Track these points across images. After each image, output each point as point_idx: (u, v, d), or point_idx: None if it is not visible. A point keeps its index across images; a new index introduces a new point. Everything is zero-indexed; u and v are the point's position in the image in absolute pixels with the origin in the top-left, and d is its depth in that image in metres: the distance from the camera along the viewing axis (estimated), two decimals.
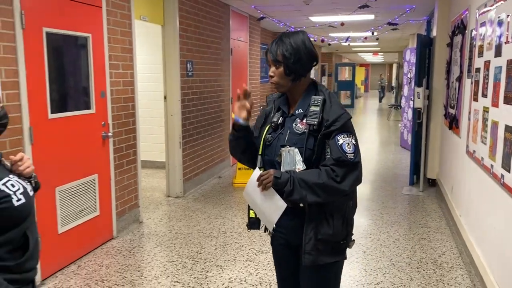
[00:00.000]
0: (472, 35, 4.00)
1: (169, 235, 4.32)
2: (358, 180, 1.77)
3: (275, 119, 1.88)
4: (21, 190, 1.47)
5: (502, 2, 3.03)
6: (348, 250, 1.93)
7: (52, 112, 3.38)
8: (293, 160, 1.76)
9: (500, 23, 3.03)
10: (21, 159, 1.56)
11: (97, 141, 3.94)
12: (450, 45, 5.29)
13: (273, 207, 1.74)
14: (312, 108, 1.77)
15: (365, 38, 10.72)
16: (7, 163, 1.56)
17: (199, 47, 6.00)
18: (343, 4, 6.92)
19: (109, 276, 3.43)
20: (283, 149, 1.78)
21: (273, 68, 1.83)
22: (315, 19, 8.71)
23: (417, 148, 6.13)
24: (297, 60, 1.77)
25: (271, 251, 3.38)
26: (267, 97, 2.05)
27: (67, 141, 3.55)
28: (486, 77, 3.37)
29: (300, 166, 1.75)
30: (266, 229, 1.93)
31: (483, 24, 3.58)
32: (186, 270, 3.54)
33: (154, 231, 4.43)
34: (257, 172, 1.76)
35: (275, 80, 1.84)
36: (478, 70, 3.67)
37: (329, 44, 12.83)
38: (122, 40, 4.26)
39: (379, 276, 3.45)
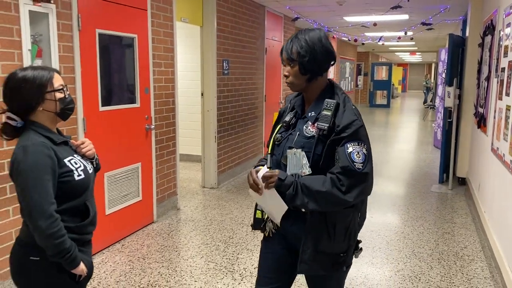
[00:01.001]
0: (500, 36, 4.10)
1: (204, 221, 4.65)
2: (366, 192, 1.69)
3: (287, 119, 1.84)
4: (82, 167, 1.79)
5: None
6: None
7: (103, 105, 3.77)
8: (299, 163, 1.70)
9: None
10: (83, 143, 1.88)
11: (141, 133, 4.31)
12: (481, 45, 5.35)
13: (276, 207, 1.73)
14: (324, 112, 1.70)
15: (399, 38, 10.73)
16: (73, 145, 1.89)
17: (235, 46, 6.31)
18: (376, 4, 7.05)
19: (149, 255, 3.79)
20: (289, 151, 1.73)
21: (288, 67, 1.77)
22: (349, 19, 8.85)
23: (447, 147, 6.20)
24: (312, 59, 1.71)
25: None
26: (286, 97, 2.00)
27: (114, 131, 3.93)
28: (509, 76, 3.49)
29: (306, 170, 1.69)
30: (264, 229, 1.89)
31: (508, 25, 3.69)
32: (219, 252, 3.85)
33: (190, 217, 4.77)
34: (264, 169, 1.73)
35: (290, 80, 1.78)
36: (503, 69, 3.78)
37: (363, 44, 12.88)
38: (164, 40, 4.62)
39: (400, 264, 3.64)
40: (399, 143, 10.11)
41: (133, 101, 4.19)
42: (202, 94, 5.86)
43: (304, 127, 1.76)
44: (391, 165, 7.66)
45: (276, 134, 1.85)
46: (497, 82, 4.04)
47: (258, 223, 1.90)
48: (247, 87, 6.84)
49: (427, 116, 15.60)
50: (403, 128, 13.14)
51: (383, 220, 4.74)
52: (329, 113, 1.68)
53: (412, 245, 4.05)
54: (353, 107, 1.75)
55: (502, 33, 4.01)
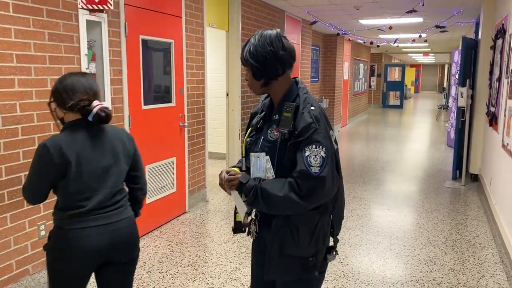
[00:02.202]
0: (511, 39, 4.39)
1: (230, 212, 5.01)
2: (323, 196, 1.66)
3: (254, 122, 1.82)
4: None
5: None
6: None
7: (144, 104, 4.16)
8: (263, 167, 1.70)
9: None
10: None
11: (176, 130, 4.70)
12: (493, 47, 5.63)
13: (240, 206, 1.75)
14: (285, 114, 1.68)
15: (413, 40, 11.00)
16: None
17: None
18: (390, 8, 7.36)
19: (186, 240, 4.16)
20: (252, 154, 1.72)
21: (246, 71, 1.76)
22: (365, 22, 9.16)
23: (461, 145, 6.48)
24: (262, 64, 1.68)
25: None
26: (261, 98, 1.95)
27: (154, 128, 4.31)
28: None
29: (270, 174, 1.69)
30: (249, 233, 1.86)
31: None
32: (247, 239, 4.20)
33: (219, 208, 5.14)
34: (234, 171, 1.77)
35: (248, 83, 1.77)
36: None
37: (378, 46, 13.16)
38: (196, 44, 4.99)
39: (416, 250, 3.96)
40: (413, 143, 10.38)
41: (169, 100, 4.57)
42: (227, 94, 6.23)
43: (269, 131, 1.74)
44: (406, 163, 7.95)
45: (247, 137, 1.83)
46: (508, 83, 4.33)
47: (239, 227, 1.86)
48: None
49: (440, 117, 15.79)
50: (416, 128, 13.39)
51: (399, 212, 5.06)
52: (289, 115, 1.66)
53: (427, 234, 4.36)
54: (313, 108, 1.68)
55: None
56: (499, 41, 5.14)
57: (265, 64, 1.68)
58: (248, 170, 1.77)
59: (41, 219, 3.15)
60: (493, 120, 5.19)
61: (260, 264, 1.84)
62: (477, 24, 8.06)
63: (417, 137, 11.36)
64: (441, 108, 16.49)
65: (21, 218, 3.00)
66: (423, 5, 6.56)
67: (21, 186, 2.92)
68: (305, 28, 9.04)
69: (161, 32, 4.35)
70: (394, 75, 23.87)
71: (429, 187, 6.17)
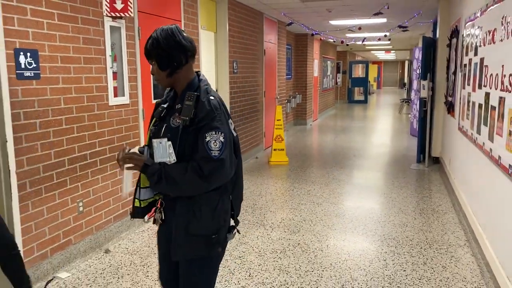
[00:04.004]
0: (463, 39, 5.22)
1: None
2: (224, 177, 1.82)
3: (158, 112, 1.93)
4: None
5: (478, 17, 4.26)
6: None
7: (154, 99, 4.71)
8: (165, 152, 1.79)
9: (477, 32, 4.26)
10: None
11: None
12: (449, 46, 6.50)
13: (127, 185, 1.92)
14: (186, 103, 1.79)
15: (379, 39, 11.91)
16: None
17: (241, 49, 7.29)
18: (359, 10, 8.15)
19: None
20: (154, 140, 1.81)
21: (152, 66, 1.88)
22: (334, 22, 9.95)
23: (423, 132, 7.34)
24: (166, 54, 1.82)
25: (309, 202, 4.81)
26: (166, 91, 2.06)
27: None
28: (469, 70, 4.60)
29: (171, 159, 1.78)
30: (154, 221, 1.97)
31: (468, 31, 4.81)
32: (248, 214, 4.84)
33: None
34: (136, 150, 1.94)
35: (155, 77, 1.90)
36: (465, 65, 4.90)
37: (347, 45, 14.04)
38: None
39: (390, 217, 4.71)
40: (380, 133, 11.30)
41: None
42: (216, 91, 6.82)
43: (172, 119, 1.85)
44: (375, 151, 8.79)
45: (151, 126, 1.94)
46: (461, 76, 5.16)
47: (137, 212, 1.96)
48: (250, 85, 7.83)
49: (402, 110, 16.91)
50: (381, 121, 14.38)
51: (373, 189, 5.82)
52: (190, 104, 1.78)
53: (399, 205, 5.13)
54: (212, 98, 1.84)
55: (463, 37, 5.13)
56: (454, 40, 5.99)
57: (170, 53, 1.81)
58: (151, 157, 1.86)
59: (79, 197, 3.67)
60: (450, 108, 6.04)
61: (167, 250, 1.96)
62: (435, 24, 8.99)
63: (382, 129, 12.30)
64: (403, 101, 17.62)
65: (65, 195, 3.51)
66: (388, 8, 7.37)
67: (65, 168, 3.45)
68: (281, 28, 9.74)
69: None
70: (358, 72, 25.04)
71: (397, 169, 6.99)
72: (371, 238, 4.13)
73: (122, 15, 3.92)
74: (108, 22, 3.91)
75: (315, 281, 3.29)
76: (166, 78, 1.87)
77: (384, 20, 9.45)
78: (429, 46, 7.38)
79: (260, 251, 3.84)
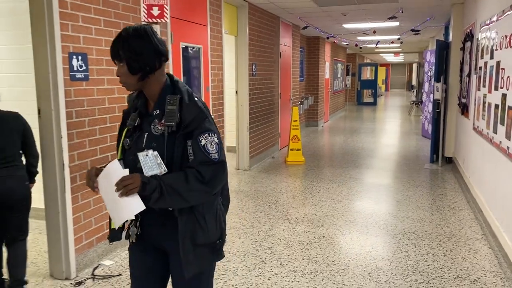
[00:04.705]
0: (478, 42, 5.44)
1: (250, 192, 5.86)
2: (224, 179, 1.74)
3: (131, 122, 1.77)
4: None
5: (494, 22, 4.48)
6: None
7: None
8: (154, 163, 1.64)
9: (493, 36, 4.48)
10: None
11: None
12: (463, 49, 6.71)
13: (128, 206, 1.60)
14: (169, 107, 1.67)
15: (392, 42, 12.13)
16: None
17: (259, 52, 7.54)
18: (374, 14, 8.38)
19: None
20: (140, 153, 1.66)
21: (118, 67, 1.69)
22: (347, 26, 10.18)
23: (437, 133, 7.54)
24: (139, 57, 1.65)
25: (329, 199, 5.06)
26: (126, 97, 1.92)
27: None
28: (485, 73, 4.81)
29: (162, 169, 1.64)
30: (128, 236, 1.79)
31: (483, 35, 5.02)
32: (271, 209, 5.07)
33: (238, 189, 5.98)
34: (117, 167, 1.64)
35: (122, 80, 1.70)
36: (480, 68, 5.12)
37: (360, 48, 14.26)
38: (216, 49, 5.83)
39: (409, 213, 4.93)
40: (391, 134, 11.50)
41: (199, 97, 5.38)
42: (236, 92, 7.07)
43: (152, 126, 1.72)
44: (388, 151, 9.00)
45: (124, 138, 1.79)
46: (476, 78, 5.37)
47: (116, 235, 1.83)
48: (267, 86, 8.08)
49: (412, 112, 17.09)
50: (392, 122, 14.58)
51: (390, 187, 6.03)
52: (174, 108, 1.66)
53: (416, 202, 5.34)
54: (197, 98, 1.75)
55: (479, 40, 5.35)
56: (468, 44, 6.20)
57: (143, 57, 1.65)
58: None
59: None
60: (464, 109, 6.25)
61: (147, 263, 1.85)
62: (446, 28, 9.20)
63: (393, 130, 12.50)
64: (413, 104, 17.79)
65: None
66: (402, 12, 7.59)
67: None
68: (295, 32, 9.98)
69: (194, 39, 5.16)
70: (367, 74, 25.22)
71: (411, 169, 7.20)
72: (392, 231, 4.35)
73: (158, 20, 4.18)
74: None
75: (342, 269, 3.52)
76: (136, 83, 1.70)
77: (396, 23, 9.66)
78: (442, 49, 7.58)
79: (287, 242, 4.07)
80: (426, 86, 11.01)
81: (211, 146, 1.67)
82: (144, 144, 1.71)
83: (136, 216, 1.69)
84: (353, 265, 3.60)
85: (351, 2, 7.10)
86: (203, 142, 1.66)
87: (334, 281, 3.32)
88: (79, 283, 3.29)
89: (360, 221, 4.65)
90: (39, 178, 3.20)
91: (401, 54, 25.30)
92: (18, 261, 3.00)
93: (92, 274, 3.43)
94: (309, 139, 10.58)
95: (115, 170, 1.62)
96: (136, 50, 1.64)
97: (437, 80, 7.27)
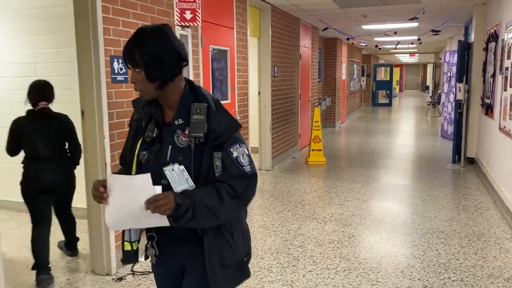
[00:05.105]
0: (503, 43, 5.45)
1: (274, 191, 5.94)
2: (254, 193, 1.62)
3: (149, 133, 1.59)
4: None
5: None
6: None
7: None
8: (182, 178, 1.50)
9: None
10: None
11: None
12: (486, 49, 6.71)
13: (149, 221, 1.49)
14: (195, 117, 1.51)
15: (411, 42, 12.14)
16: None
17: (281, 54, 7.63)
18: (394, 16, 8.41)
19: (249, 209, 5.06)
20: (166, 169, 1.49)
21: (134, 73, 1.52)
22: (366, 27, 10.21)
23: (459, 133, 7.54)
24: (159, 64, 1.48)
25: (354, 199, 5.12)
26: (132, 101, 1.73)
27: None
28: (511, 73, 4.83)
29: (190, 184, 1.50)
30: (147, 257, 1.67)
31: (510, 35, 5.04)
32: (298, 209, 5.14)
33: (263, 189, 6.07)
34: (147, 183, 1.42)
35: (138, 87, 1.53)
36: (507, 68, 5.13)
37: (380, 49, 14.30)
38: (242, 51, 5.92)
39: (435, 212, 4.96)
40: (410, 135, 11.50)
41: (226, 98, 5.49)
42: (259, 93, 7.16)
43: (175, 138, 1.56)
44: (408, 152, 9.01)
45: (139, 151, 1.61)
46: (502, 78, 5.38)
47: (130, 256, 1.67)
48: (288, 87, 8.15)
49: (428, 112, 17.01)
50: (409, 123, 14.55)
51: (414, 187, 6.06)
52: (201, 117, 1.51)
53: (441, 202, 5.37)
54: (223, 106, 1.62)
55: (505, 40, 5.36)
56: (492, 44, 6.21)
57: (163, 62, 1.49)
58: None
59: None
60: (488, 110, 6.25)
61: (175, 285, 1.74)
62: (466, 28, 9.18)
63: (410, 131, 12.48)
64: (429, 104, 17.70)
65: None
66: (424, 13, 7.61)
67: None
68: (314, 33, 10.05)
69: (222, 42, 5.27)
70: (381, 75, 25.14)
71: (433, 170, 7.21)
72: (420, 231, 4.39)
73: (191, 24, 4.29)
74: (178, 31, 4.28)
75: (375, 267, 3.58)
76: (154, 91, 1.53)
77: (415, 24, 9.67)
78: (464, 50, 7.58)
79: (318, 241, 4.14)
80: (445, 87, 10.98)
81: (243, 158, 1.56)
82: (168, 157, 1.56)
83: (151, 236, 1.62)
84: (385, 263, 3.66)
85: (373, 3, 7.14)
86: (235, 153, 1.54)
87: (368, 279, 3.38)
88: (120, 279, 3.41)
89: (387, 221, 4.70)
90: (82, 178, 3.33)
91: (416, 54, 25.16)
92: (69, 225, 3.78)
93: (132, 270, 3.54)
94: (328, 139, 10.62)
95: (144, 185, 1.42)
96: (156, 55, 1.48)
97: (459, 80, 7.27)
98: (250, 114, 6.49)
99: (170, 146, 1.57)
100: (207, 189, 1.52)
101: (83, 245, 3.96)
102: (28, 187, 3.33)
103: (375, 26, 10.11)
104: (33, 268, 3.33)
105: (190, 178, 1.51)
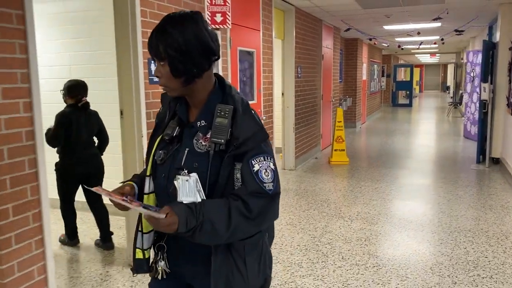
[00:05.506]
0: None
1: (298, 190, 6.03)
2: (276, 215, 1.41)
3: (169, 131, 1.43)
4: None
5: None
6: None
7: None
8: (192, 190, 1.31)
9: None
10: None
11: None
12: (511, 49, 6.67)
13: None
14: (219, 120, 1.34)
15: (434, 42, 12.09)
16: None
17: (304, 54, 7.71)
18: (417, 16, 8.41)
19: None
20: (179, 177, 1.31)
21: (158, 66, 1.37)
22: (388, 27, 10.21)
23: (483, 133, 7.50)
24: (186, 58, 1.32)
25: (379, 198, 5.18)
26: (162, 95, 1.56)
27: None
28: None
29: (199, 198, 1.31)
30: (152, 269, 1.50)
31: None
32: (324, 207, 5.22)
33: (288, 188, 6.16)
34: (149, 212, 1.25)
35: (162, 82, 1.38)
36: None
37: (402, 49, 14.27)
38: (267, 52, 6.03)
39: (461, 212, 4.98)
40: (432, 135, 11.44)
41: (252, 98, 5.61)
42: (282, 94, 7.26)
43: (194, 140, 1.39)
44: (431, 152, 8.99)
45: (155, 150, 1.44)
46: None
47: (141, 265, 1.50)
48: (310, 88, 8.23)
49: (450, 113, 16.84)
50: (430, 123, 14.45)
51: (438, 187, 6.08)
52: (225, 121, 1.33)
53: (467, 201, 5.38)
54: (253, 111, 1.42)
55: None
56: None
57: (190, 56, 1.32)
58: (156, 192, 1.45)
59: None
60: None
61: None
62: (490, 28, 9.11)
63: (432, 131, 12.41)
64: (451, 105, 17.53)
65: None
66: (448, 13, 7.60)
67: None
68: (336, 34, 10.10)
69: (249, 44, 5.39)
70: (401, 75, 24.94)
71: (458, 170, 7.19)
72: (447, 229, 4.42)
73: (221, 27, 4.42)
74: None
75: (404, 263, 3.64)
76: (180, 87, 1.37)
77: (438, 24, 9.63)
78: (489, 50, 7.54)
79: (345, 238, 4.22)
80: (468, 87, 10.89)
81: (266, 174, 1.33)
82: (183, 162, 1.37)
83: (162, 246, 1.46)
84: (413, 260, 3.71)
85: (396, 4, 7.17)
86: (256, 167, 1.33)
87: (397, 275, 3.44)
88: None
89: (414, 219, 4.75)
90: (119, 177, 3.49)
91: (437, 54, 24.90)
92: (102, 216, 4.01)
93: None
94: (349, 140, 10.65)
95: (150, 209, 1.27)
96: (182, 46, 1.30)
97: (484, 80, 7.24)
98: (274, 115, 6.60)
99: (187, 149, 1.39)
100: (217, 204, 1.31)
101: (118, 240, 4.12)
102: (67, 170, 3.85)
103: (397, 27, 10.10)
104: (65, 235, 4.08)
105: (202, 191, 1.31)
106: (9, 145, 2.38)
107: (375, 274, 3.46)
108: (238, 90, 4.89)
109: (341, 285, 3.29)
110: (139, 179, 1.53)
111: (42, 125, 2.61)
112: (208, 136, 1.36)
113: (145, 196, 1.46)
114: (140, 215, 1.45)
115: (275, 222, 1.57)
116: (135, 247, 1.50)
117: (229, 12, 4.39)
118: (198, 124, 1.39)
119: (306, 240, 4.19)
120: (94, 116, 3.98)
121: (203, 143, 1.37)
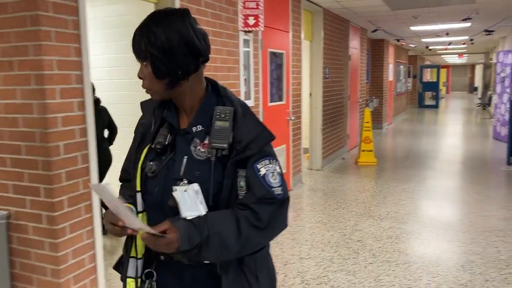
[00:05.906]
0: None
1: (326, 190, 6.11)
2: (285, 224, 1.30)
3: (161, 139, 1.30)
4: None
5: None
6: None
7: (270, 102, 5.31)
8: (194, 202, 1.19)
9: None
10: None
11: (285, 122, 5.84)
12: None
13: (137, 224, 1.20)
14: (218, 123, 1.24)
15: (463, 43, 11.96)
16: None
17: (332, 55, 7.79)
18: (446, 16, 8.36)
19: (305, 207, 5.28)
20: (177, 188, 1.18)
21: (141, 67, 1.26)
22: (414, 28, 10.17)
23: None
24: (169, 57, 1.21)
25: (408, 198, 5.19)
26: (141, 103, 1.43)
27: (274, 120, 5.46)
28: None
29: (203, 211, 1.19)
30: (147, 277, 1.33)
31: None
32: (353, 207, 5.29)
33: (315, 187, 6.25)
34: (138, 222, 1.17)
35: (145, 84, 1.27)
36: None
37: (430, 49, 14.18)
38: (296, 53, 6.14)
39: (492, 212, 4.97)
40: (461, 137, 11.31)
41: (281, 99, 5.72)
42: (310, 94, 7.35)
43: (193, 147, 1.28)
44: (460, 153, 8.92)
45: (143, 161, 1.31)
46: None
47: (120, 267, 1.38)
48: (338, 89, 8.29)
49: (478, 114, 16.56)
50: (458, 125, 14.25)
51: (468, 187, 6.06)
52: (226, 124, 1.24)
53: (498, 202, 5.36)
54: (253, 113, 1.35)
55: None
56: None
57: (174, 56, 1.22)
58: (149, 211, 1.31)
59: None
60: None
61: None
62: None
63: (461, 133, 12.26)
64: (479, 106, 17.24)
65: None
66: (477, 13, 7.55)
67: None
68: (363, 35, 10.13)
69: (279, 45, 5.51)
70: (427, 76, 24.61)
71: (488, 171, 7.14)
72: (478, 229, 4.44)
73: (253, 29, 4.56)
74: (242, 36, 4.56)
75: (434, 261, 3.69)
76: (164, 90, 1.26)
77: (468, 24, 9.54)
78: None
79: (375, 236, 4.29)
80: (498, 88, 10.74)
81: (273, 177, 1.24)
82: (182, 171, 1.25)
83: (150, 272, 1.31)
84: (444, 257, 3.76)
85: (425, 5, 7.17)
86: (262, 171, 1.23)
87: (428, 272, 3.50)
88: None
89: (443, 219, 4.77)
90: None
91: (465, 55, 24.47)
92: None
93: None
94: (376, 141, 10.63)
95: (135, 220, 1.18)
96: (164, 44, 1.19)
97: None
98: (302, 115, 6.70)
99: (186, 157, 1.27)
100: (223, 217, 1.20)
101: None
102: None
103: (424, 27, 10.05)
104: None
105: (204, 203, 1.20)
106: (65, 141, 2.57)
107: (406, 270, 3.53)
108: (270, 91, 5.01)
109: (373, 280, 3.38)
110: (131, 199, 1.35)
111: (93, 123, 2.79)
112: (207, 141, 1.26)
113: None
114: (130, 238, 1.31)
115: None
116: (125, 278, 1.31)
117: (261, 15, 4.52)
118: (194, 130, 1.28)
119: (337, 238, 4.28)
120: (104, 112, 4.40)
121: (202, 149, 1.26)
